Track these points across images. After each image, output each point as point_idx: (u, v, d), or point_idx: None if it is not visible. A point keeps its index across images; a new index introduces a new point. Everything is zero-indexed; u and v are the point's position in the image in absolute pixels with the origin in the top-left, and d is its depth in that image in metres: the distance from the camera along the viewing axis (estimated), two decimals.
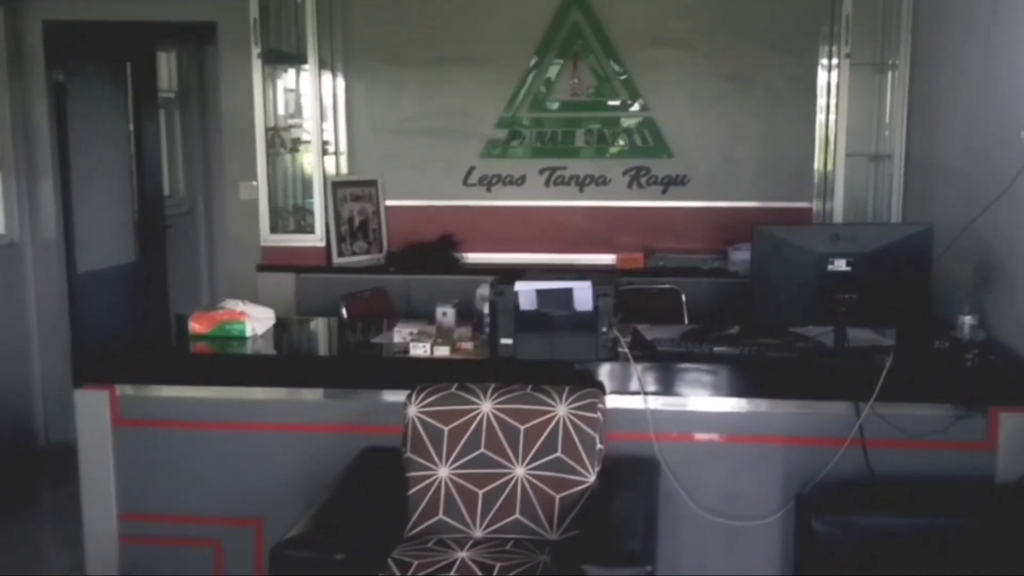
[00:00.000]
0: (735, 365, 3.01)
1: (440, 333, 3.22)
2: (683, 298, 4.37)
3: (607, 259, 4.77)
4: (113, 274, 5.45)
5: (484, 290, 3.55)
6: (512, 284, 3.03)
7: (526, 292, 2.96)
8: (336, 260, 4.73)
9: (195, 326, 3.33)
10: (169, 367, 3.22)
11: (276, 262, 4.70)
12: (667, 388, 3.02)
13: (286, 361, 3.26)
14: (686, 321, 4.23)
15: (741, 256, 4.57)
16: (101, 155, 5.43)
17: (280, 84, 4.87)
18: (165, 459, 3.15)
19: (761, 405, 2.98)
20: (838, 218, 4.55)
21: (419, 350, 3.08)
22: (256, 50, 4.57)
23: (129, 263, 5.63)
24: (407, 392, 2.88)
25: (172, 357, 3.28)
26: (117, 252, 5.57)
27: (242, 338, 3.31)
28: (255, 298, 4.55)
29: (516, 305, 3.00)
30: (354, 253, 4.79)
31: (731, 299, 4.43)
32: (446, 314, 3.45)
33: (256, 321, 3.34)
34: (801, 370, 3.01)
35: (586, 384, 2.95)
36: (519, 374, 2.97)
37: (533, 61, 4.77)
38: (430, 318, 3.41)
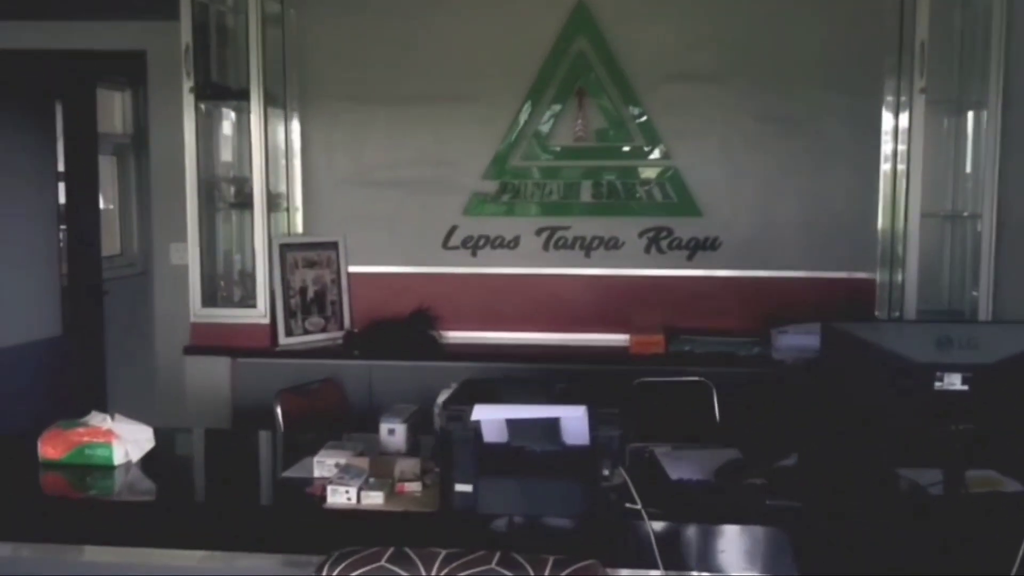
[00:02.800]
0: (803, 525, 2.06)
1: (377, 467, 2.29)
2: (715, 396, 3.43)
3: (618, 340, 3.86)
4: (31, 350, 4.57)
5: (444, 396, 2.63)
6: (473, 401, 2.11)
7: (492, 422, 2.03)
8: (283, 341, 3.83)
9: (46, 449, 2.42)
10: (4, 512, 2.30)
11: (209, 342, 3.80)
12: (701, 560, 2.06)
13: (144, 510, 2.30)
14: (717, 418, 3.31)
15: (788, 342, 3.63)
16: (20, 205, 4.57)
17: (223, 126, 4.02)
18: None
19: None
20: (911, 294, 3.61)
21: (339, 497, 2.14)
22: (188, 84, 3.73)
23: (53, 336, 4.74)
24: (319, 560, 1.95)
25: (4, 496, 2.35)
26: (38, 323, 4.69)
27: (108, 466, 2.40)
28: (181, 388, 3.68)
29: (479, 434, 2.07)
30: (306, 331, 3.90)
31: (777, 399, 3.49)
32: (393, 432, 2.54)
33: (129, 444, 2.43)
34: (907, 532, 2.05)
35: (578, 552, 1.99)
36: (482, 535, 2.05)
37: (529, 98, 3.90)
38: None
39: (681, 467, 2.42)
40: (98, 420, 2.44)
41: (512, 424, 2.00)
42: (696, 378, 3.48)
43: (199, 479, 2.70)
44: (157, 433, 2.56)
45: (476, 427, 2.04)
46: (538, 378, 3.02)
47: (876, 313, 3.83)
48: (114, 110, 5.68)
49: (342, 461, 2.28)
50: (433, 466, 2.30)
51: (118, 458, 2.41)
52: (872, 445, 2.17)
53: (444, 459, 2.09)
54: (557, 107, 3.90)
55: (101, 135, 5.38)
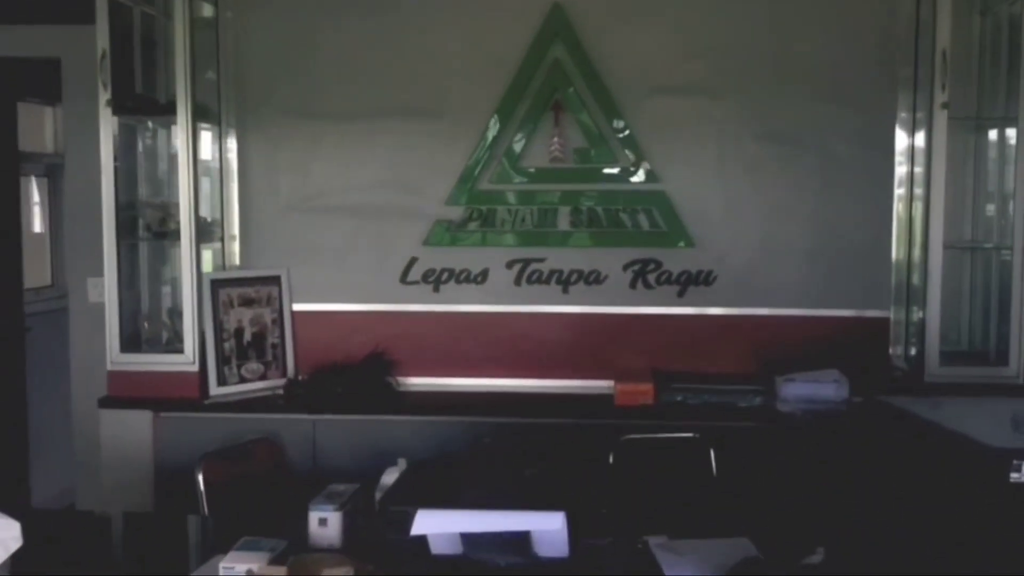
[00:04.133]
0: None
1: (300, 570, 1.79)
2: (712, 455, 2.97)
3: (601, 387, 3.39)
4: None
5: (391, 477, 2.17)
6: (420, 495, 1.62)
7: (441, 536, 1.53)
8: (214, 391, 3.32)
9: None
10: None
11: (128, 393, 3.28)
12: None
13: None
14: (715, 481, 2.85)
15: (795, 391, 3.18)
16: None
17: (151, 145, 3.53)
18: None
19: None
20: (932, 335, 3.18)
21: None
22: (104, 96, 3.23)
23: None
24: None
25: None
26: None
27: None
28: (95, 446, 3.16)
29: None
30: (242, 379, 3.39)
31: (786, 460, 3.03)
32: (325, 522, 2.04)
33: None
34: None
35: None
36: None
37: (498, 113, 3.44)
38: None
39: (682, 565, 1.94)
40: None
41: (468, 537, 1.52)
42: (690, 434, 3.04)
43: None
44: (32, 522, 2.04)
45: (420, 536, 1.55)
46: (506, 451, 2.56)
47: (890, 351, 3.39)
48: (44, 126, 5.15)
49: (253, 569, 1.78)
50: (374, 572, 1.81)
51: None
52: (931, 547, 1.71)
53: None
54: (531, 123, 3.44)
55: (27, 154, 4.86)
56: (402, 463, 2.31)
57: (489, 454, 2.65)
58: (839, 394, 3.16)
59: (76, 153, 3.67)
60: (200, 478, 2.73)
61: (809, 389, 3.16)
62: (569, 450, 3.12)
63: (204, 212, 3.46)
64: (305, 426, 3.21)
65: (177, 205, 3.29)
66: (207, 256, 3.49)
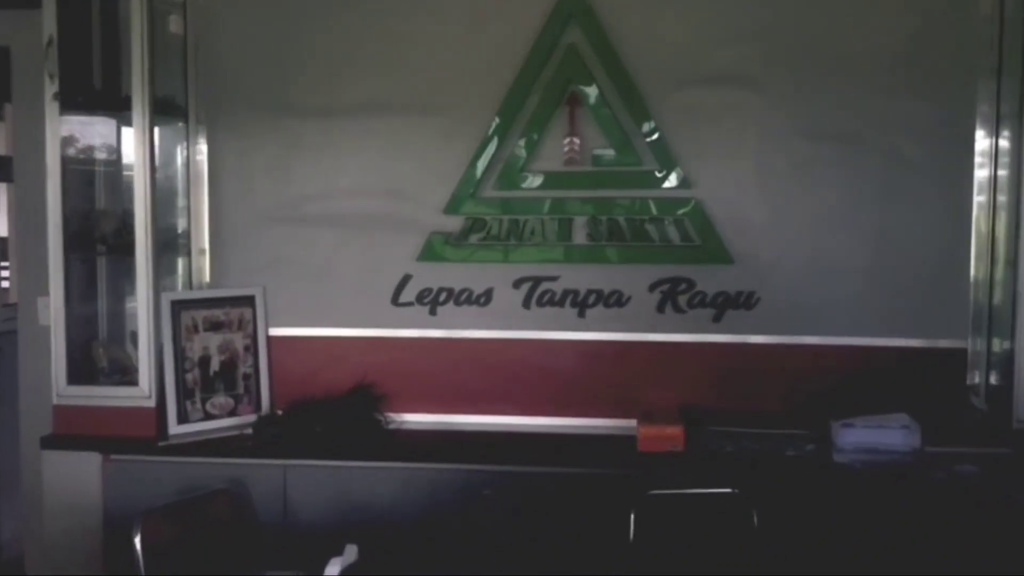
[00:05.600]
0: None
1: None
2: (754, 516, 2.47)
3: (622, 427, 2.92)
4: None
5: (334, 570, 1.72)
6: None
7: None
8: (175, 430, 2.88)
9: None
10: None
11: (76, 431, 2.86)
12: None
13: None
14: (757, 537, 2.37)
15: (855, 438, 2.67)
16: None
17: (113, 146, 3.11)
18: None
19: None
20: (1021, 372, 2.64)
21: None
22: (51, 88, 2.81)
23: None
24: None
25: None
26: None
27: None
28: (38, 492, 2.75)
29: None
30: (208, 416, 2.94)
31: (840, 519, 2.52)
32: None
33: None
34: None
35: None
36: None
37: (504, 109, 2.97)
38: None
39: None
40: None
41: None
42: (728, 490, 2.54)
43: None
44: None
45: None
46: (504, 512, 2.09)
47: (968, 383, 2.86)
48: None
49: None
50: None
51: None
52: None
53: None
54: (542, 120, 2.95)
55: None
56: (351, 552, 1.84)
57: (479, 530, 2.18)
58: (908, 443, 2.64)
59: (29, 154, 3.24)
60: (138, 541, 2.28)
61: (872, 436, 2.63)
62: (583, 507, 2.65)
63: (171, 222, 3.04)
64: (275, 473, 2.76)
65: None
66: (181, 271, 3.09)
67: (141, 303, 2.85)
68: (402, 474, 2.76)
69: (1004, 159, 2.78)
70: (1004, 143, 2.78)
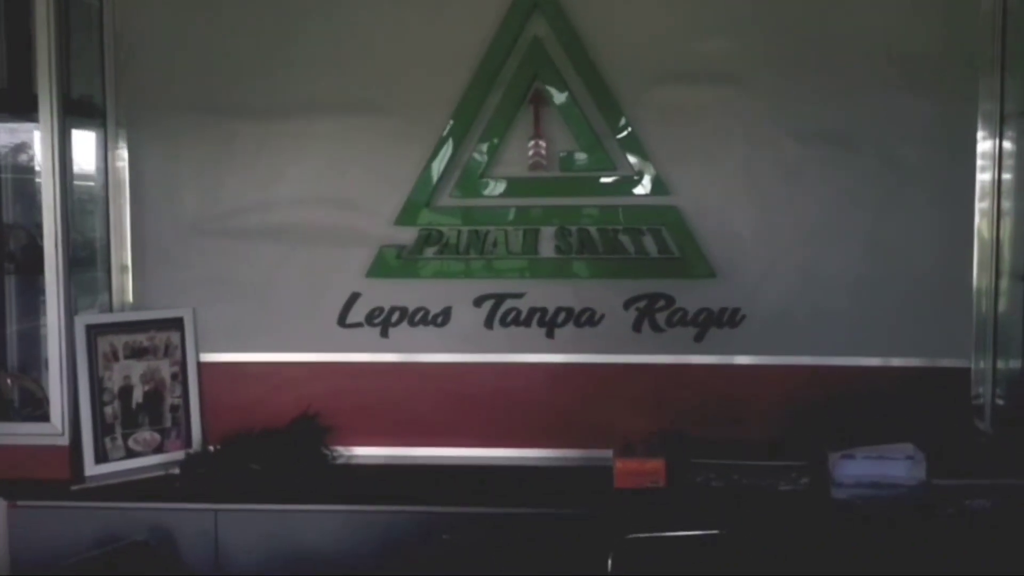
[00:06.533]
0: None
1: None
2: (743, 559, 2.20)
3: (595, 458, 2.64)
4: None
5: None
6: None
7: None
8: (91, 470, 2.54)
9: None
10: None
11: None
12: None
13: None
14: None
15: (855, 470, 2.42)
16: None
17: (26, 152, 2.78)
18: None
19: None
20: None
21: None
22: None
23: None
24: None
25: None
26: None
27: None
28: None
29: None
30: (131, 453, 2.61)
31: (840, 562, 2.25)
32: None
33: None
34: None
35: None
36: None
37: (462, 108, 2.68)
38: None
39: None
40: None
41: None
42: (715, 531, 2.27)
43: None
44: None
45: None
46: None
47: (973, 405, 2.62)
48: None
49: None
50: None
51: None
52: None
53: None
54: (503, 120, 2.67)
55: None
56: None
57: None
58: (914, 475, 2.38)
59: None
60: None
61: (874, 468, 2.37)
62: (554, 552, 2.36)
63: (89, 236, 2.71)
64: (205, 519, 2.42)
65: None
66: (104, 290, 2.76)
67: (52, 328, 2.52)
68: (350, 518, 2.44)
69: (1008, 161, 2.56)
70: (1008, 144, 2.55)
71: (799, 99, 2.62)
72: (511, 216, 2.70)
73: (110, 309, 2.73)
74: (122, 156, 2.75)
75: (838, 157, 2.62)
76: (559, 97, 2.65)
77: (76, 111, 2.63)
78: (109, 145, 2.73)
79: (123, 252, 2.76)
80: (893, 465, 2.38)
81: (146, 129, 2.75)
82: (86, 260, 2.77)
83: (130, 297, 2.76)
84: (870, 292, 2.64)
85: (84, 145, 2.76)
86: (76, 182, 2.78)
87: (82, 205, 2.76)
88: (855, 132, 2.61)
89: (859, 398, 2.62)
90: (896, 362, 2.64)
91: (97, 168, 2.74)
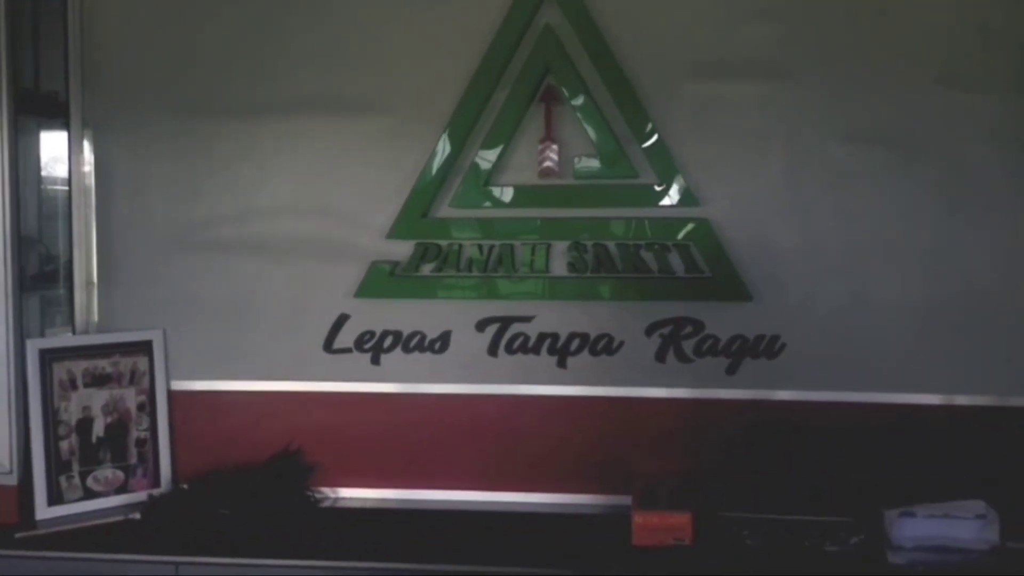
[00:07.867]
0: None
1: None
2: None
3: (611, 505, 2.32)
4: None
5: None
6: None
7: None
8: (44, 513, 2.26)
9: None
10: None
11: None
12: None
13: None
14: None
15: (916, 531, 2.07)
16: None
17: None
18: None
19: None
20: None
21: None
22: None
23: None
24: None
25: None
26: None
27: None
28: None
29: None
30: (89, 494, 2.33)
31: None
32: None
33: None
34: None
35: None
36: None
37: (464, 107, 2.37)
38: None
39: None
40: None
41: None
42: None
43: None
44: None
45: None
46: None
47: None
48: None
49: None
50: None
51: None
52: None
53: None
54: (511, 121, 2.36)
55: None
56: None
57: None
58: (985, 537, 2.03)
59: None
60: None
61: (939, 529, 2.02)
62: None
63: (51, 249, 2.45)
64: (164, 573, 2.14)
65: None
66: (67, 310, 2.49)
67: (2, 353, 2.25)
68: (334, 575, 2.15)
69: None
70: None
71: (849, 96, 2.27)
72: (519, 229, 2.39)
73: (72, 330, 2.46)
74: (87, 160, 2.47)
75: (894, 163, 2.27)
76: (574, 95, 2.33)
77: (34, 108, 2.37)
78: (73, 147, 2.46)
79: (88, 266, 2.48)
80: (961, 526, 2.03)
81: (115, 130, 2.47)
82: (51, 276, 2.51)
83: (95, 317, 2.49)
84: (930, 319, 2.29)
85: (48, 147, 2.51)
86: (43, 187, 2.55)
87: (44, 215, 2.50)
88: (915, 134, 2.26)
89: (917, 442, 2.27)
90: (961, 400, 2.29)
91: (59, 172, 2.48)
